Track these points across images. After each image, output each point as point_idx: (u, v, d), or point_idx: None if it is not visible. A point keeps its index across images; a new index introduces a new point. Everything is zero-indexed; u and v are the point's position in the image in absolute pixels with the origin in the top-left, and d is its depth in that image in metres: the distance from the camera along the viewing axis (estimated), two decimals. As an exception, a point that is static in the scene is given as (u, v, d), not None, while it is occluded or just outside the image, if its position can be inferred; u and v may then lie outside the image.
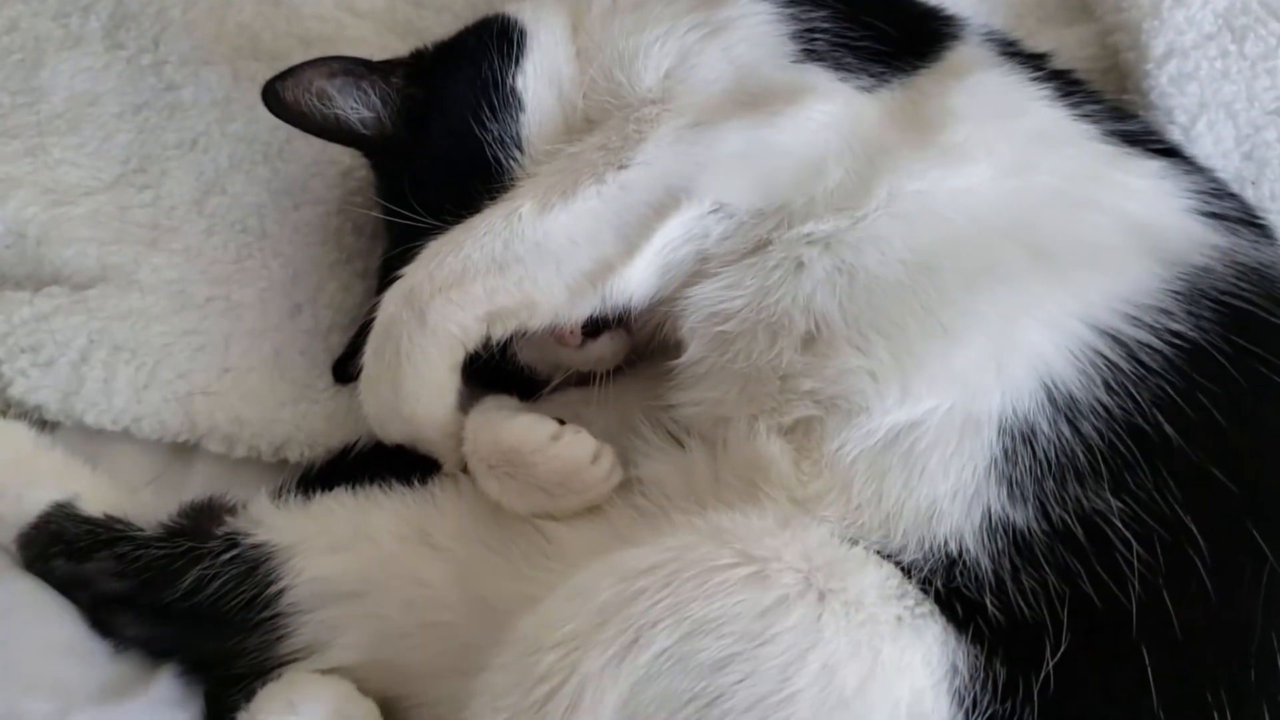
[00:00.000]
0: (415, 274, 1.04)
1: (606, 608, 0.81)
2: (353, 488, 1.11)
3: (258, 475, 1.18)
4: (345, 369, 1.20)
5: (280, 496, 1.10)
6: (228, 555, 1.06)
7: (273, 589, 1.05)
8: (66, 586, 1.07)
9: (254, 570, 1.06)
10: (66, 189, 1.27)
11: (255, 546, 1.07)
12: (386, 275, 1.14)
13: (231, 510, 1.10)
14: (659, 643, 0.79)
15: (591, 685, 0.79)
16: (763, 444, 0.94)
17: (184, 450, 1.20)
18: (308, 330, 1.24)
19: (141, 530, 1.08)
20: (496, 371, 1.12)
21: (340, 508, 1.09)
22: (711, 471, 1.00)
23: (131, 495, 1.11)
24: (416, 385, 1.05)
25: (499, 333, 1.05)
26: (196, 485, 1.16)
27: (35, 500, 1.08)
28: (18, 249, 1.24)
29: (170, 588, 1.06)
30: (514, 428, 1.03)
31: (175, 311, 1.21)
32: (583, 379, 1.16)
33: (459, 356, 1.06)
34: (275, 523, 1.08)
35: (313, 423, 1.19)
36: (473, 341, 1.05)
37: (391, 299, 1.05)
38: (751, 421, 0.97)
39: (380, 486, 1.10)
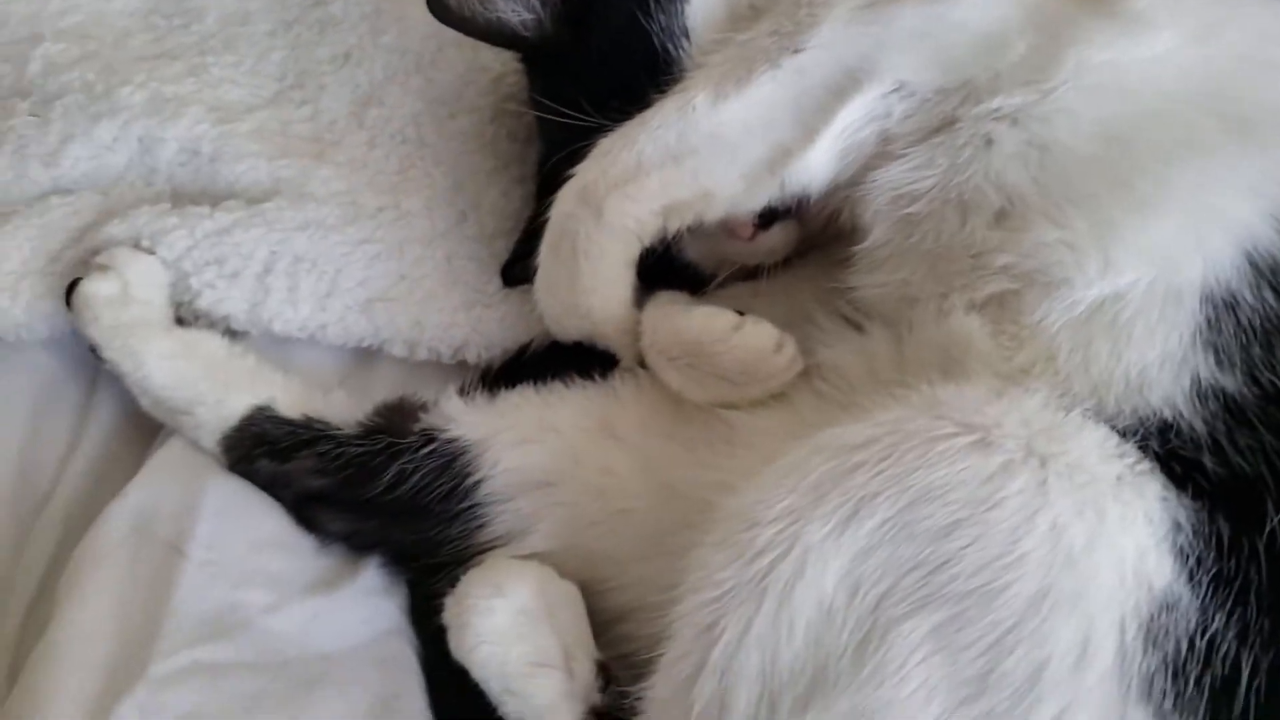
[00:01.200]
0: (589, 171, 1.04)
1: (823, 482, 0.81)
2: (534, 385, 1.12)
3: (438, 377, 1.20)
4: (513, 273, 1.21)
5: (467, 395, 1.12)
6: (426, 450, 1.08)
7: (469, 480, 1.08)
8: (271, 486, 1.10)
9: (451, 464, 1.08)
10: (230, 106, 1.28)
11: (450, 441, 1.09)
12: (548, 179, 1.14)
13: (422, 408, 1.12)
14: (880, 513, 0.80)
15: (814, 556, 0.80)
16: (958, 322, 0.93)
17: (367, 355, 1.22)
18: (474, 236, 1.25)
19: (340, 429, 1.10)
20: (662, 268, 1.12)
21: (525, 403, 1.11)
22: (896, 354, 1.00)
23: (325, 397, 1.14)
24: (594, 281, 1.05)
25: (674, 226, 1.05)
26: (380, 389, 1.18)
27: (235, 405, 1.11)
28: (192, 166, 1.25)
29: (371, 483, 1.08)
30: (695, 319, 1.04)
31: (349, 222, 1.22)
32: (749, 272, 1.16)
33: (635, 251, 1.07)
34: (466, 418, 1.10)
35: (488, 325, 1.20)
36: (648, 236, 1.06)
37: (566, 197, 1.06)
38: (941, 300, 0.96)
39: (561, 382, 1.11)
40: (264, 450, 1.09)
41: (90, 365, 1.19)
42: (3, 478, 1.12)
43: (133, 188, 1.24)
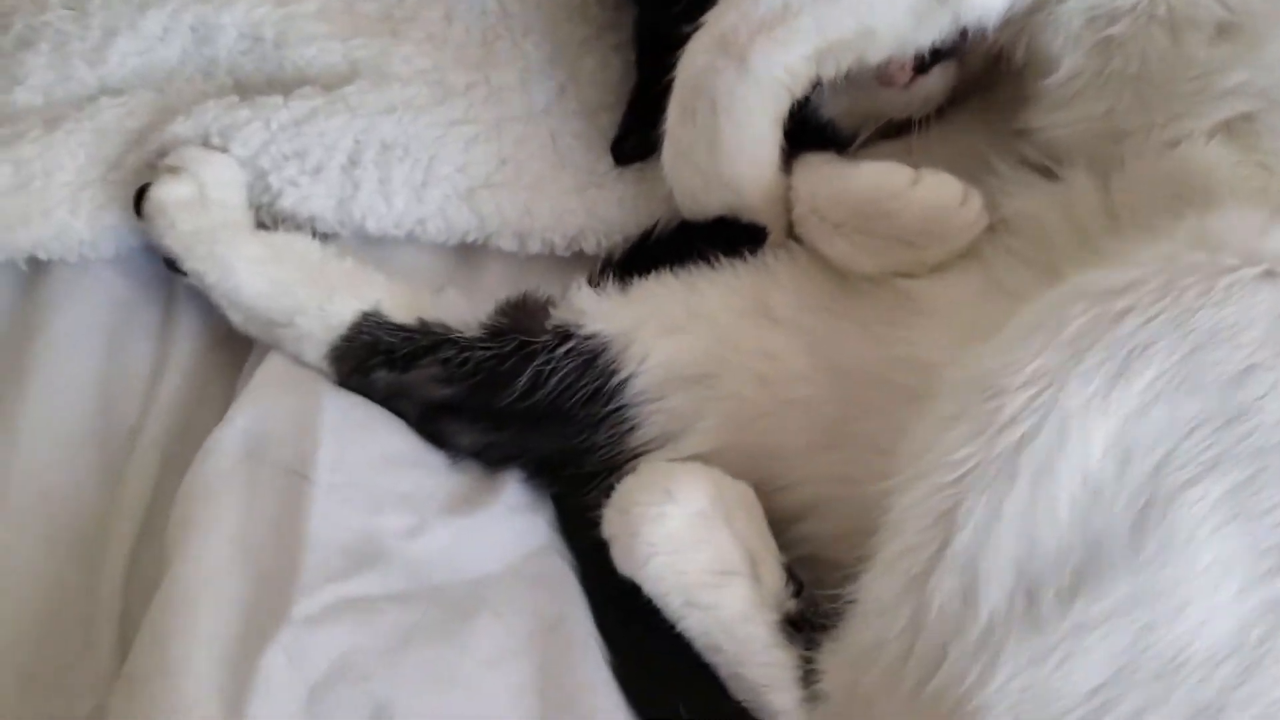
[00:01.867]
0: (725, 17, 0.91)
1: (1082, 335, 0.69)
2: (671, 269, 1.00)
3: (552, 273, 1.07)
4: (625, 149, 1.07)
5: (597, 286, 0.99)
6: (563, 349, 0.95)
7: (615, 379, 0.95)
8: (390, 399, 0.98)
9: (593, 362, 0.96)
10: (288, -14, 1.13)
11: (590, 337, 0.96)
12: (650, 40, 1.01)
13: (549, 304, 0.99)
14: (1156, 365, 0.68)
15: (1076, 424, 0.68)
16: (1188, 152, 0.81)
17: (470, 253, 1.08)
18: (576, 111, 1.11)
19: (461, 332, 0.98)
20: (794, 130, 0.99)
21: (666, 290, 0.98)
22: (1102, 197, 0.88)
23: (436, 299, 1.01)
24: (738, 142, 0.93)
25: (830, 72, 0.92)
26: (490, 290, 1.05)
27: (341, 311, 0.98)
28: (256, 53, 1.10)
29: (505, 389, 0.96)
30: (864, 177, 0.91)
31: (438, 102, 1.08)
32: (895, 129, 1.03)
33: (785, 106, 0.94)
34: (603, 311, 0.97)
35: (605, 209, 1.06)
36: (800, 85, 0.93)
37: (699, 50, 0.92)
38: (1160, 131, 0.84)
39: (701, 264, 0.99)
40: (380, 360, 0.96)
41: (167, 282, 1.05)
42: (85, 414, 0.99)
43: (191, 83, 1.09)
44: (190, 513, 0.88)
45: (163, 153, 1.03)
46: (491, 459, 0.96)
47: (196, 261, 0.98)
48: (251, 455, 0.90)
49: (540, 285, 1.04)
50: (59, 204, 1.02)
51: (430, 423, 0.96)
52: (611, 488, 0.92)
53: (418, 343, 0.96)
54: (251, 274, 0.97)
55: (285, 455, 0.90)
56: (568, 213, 1.05)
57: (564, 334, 0.96)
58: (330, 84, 1.08)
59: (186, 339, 1.03)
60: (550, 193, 1.06)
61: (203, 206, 0.99)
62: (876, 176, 0.91)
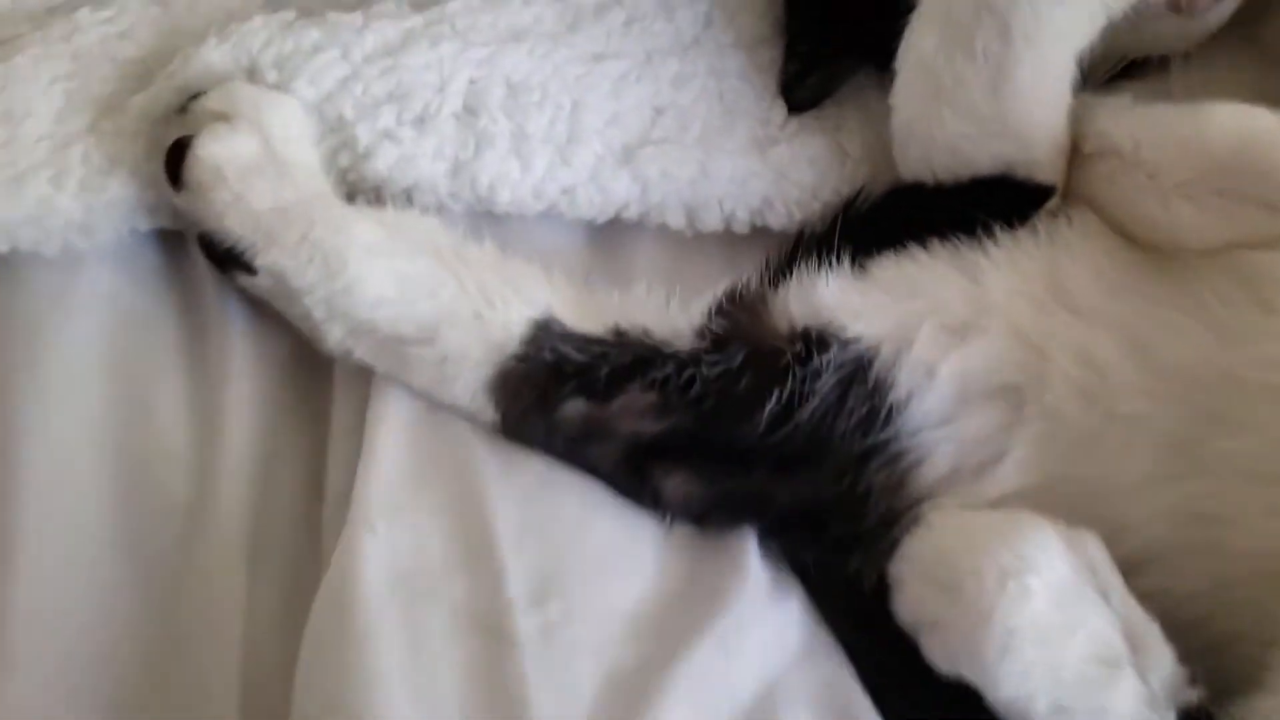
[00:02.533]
0: None
1: None
2: (906, 247, 0.74)
3: (721, 256, 0.79)
4: (800, 93, 0.81)
5: (822, 272, 0.72)
6: (819, 361, 0.69)
7: (893, 398, 0.69)
8: (581, 442, 0.68)
9: (860, 377, 0.69)
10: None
11: (850, 342, 0.70)
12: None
13: (762, 301, 0.72)
14: None
15: None
16: None
17: (610, 232, 0.79)
18: (732, 44, 0.83)
19: (674, 344, 0.69)
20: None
21: (931, 275, 0.72)
22: None
23: (624, 299, 0.71)
24: (1037, 77, 0.69)
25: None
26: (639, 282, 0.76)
27: (509, 320, 0.67)
28: None
29: (745, 419, 0.68)
30: (1231, 122, 0.68)
31: (570, 27, 0.78)
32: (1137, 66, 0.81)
33: (1098, 28, 0.70)
34: (859, 307, 0.71)
35: (796, 170, 0.79)
36: (1119, 5, 0.69)
37: None
38: None
39: (964, 237, 0.74)
40: (572, 387, 0.66)
41: (197, 286, 0.71)
42: (97, 491, 0.65)
43: (206, -10, 0.74)
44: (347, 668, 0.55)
45: (187, 91, 0.68)
46: (720, 516, 0.68)
47: (281, 254, 0.65)
48: (403, 591, 0.60)
49: (725, 273, 0.75)
50: (32, 169, 0.66)
51: (635, 472, 0.68)
52: (889, 549, 0.65)
53: (618, 360, 0.67)
54: (373, 269, 0.65)
55: (457, 594, 0.60)
56: (751, 176, 0.77)
57: (817, 340, 0.68)
58: (423, 3, 0.75)
59: (233, 372, 0.69)
60: (725, 150, 0.78)
61: (279, 171, 0.65)
62: (1244, 122, 0.67)
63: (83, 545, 0.63)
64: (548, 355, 0.66)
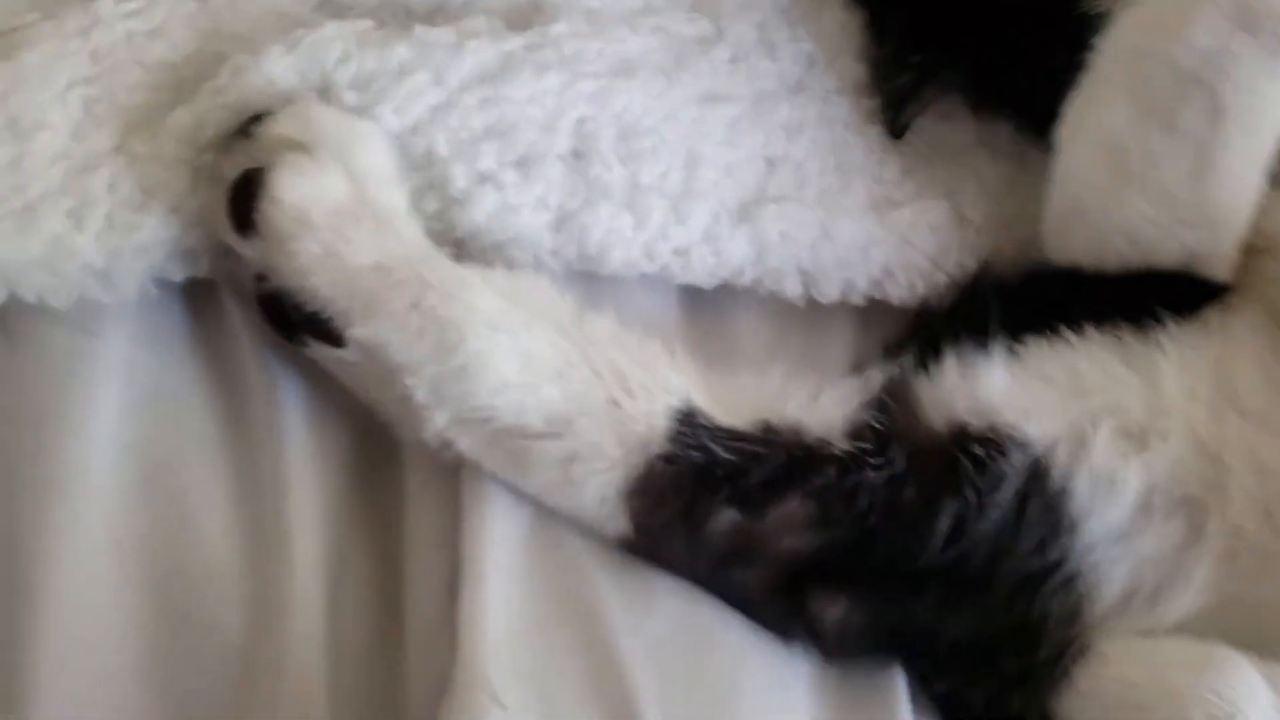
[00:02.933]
0: None
1: None
2: (1060, 333, 0.66)
3: (833, 333, 0.69)
4: (902, 115, 0.71)
5: (981, 360, 0.63)
6: (996, 467, 0.59)
7: (1071, 512, 0.60)
8: (728, 562, 0.57)
9: (1038, 487, 0.60)
10: None
11: (1024, 446, 0.60)
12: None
13: (905, 392, 0.62)
14: None
15: None
16: None
17: (710, 299, 0.68)
18: (837, 89, 0.73)
19: (829, 444, 0.58)
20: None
21: (1093, 367, 0.64)
22: None
23: (760, 384, 0.60)
24: (1241, 163, 0.61)
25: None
26: (743, 357, 0.66)
27: (650, 410, 0.55)
28: None
29: (916, 537, 0.58)
30: None
31: (677, 63, 0.67)
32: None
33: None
34: (1020, 404, 0.61)
35: (918, 237, 0.70)
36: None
37: (1200, 25, 0.59)
38: None
39: (1119, 328, 0.66)
40: (725, 495, 0.54)
41: (229, 352, 0.57)
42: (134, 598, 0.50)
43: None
44: None
45: (245, 111, 0.54)
46: (879, 651, 0.57)
47: (385, 324, 0.51)
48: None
49: (838, 351, 0.65)
50: (46, 198, 0.51)
51: (788, 599, 0.57)
52: (1056, 685, 0.56)
53: (772, 463, 0.56)
54: (495, 346, 0.52)
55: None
56: (874, 241, 0.67)
57: (989, 443, 0.58)
58: (511, 17, 0.63)
59: (287, 467, 0.55)
60: (846, 211, 0.67)
61: (376, 219, 0.52)
62: None
63: (112, 682, 0.48)
64: (696, 455, 0.54)
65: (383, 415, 0.56)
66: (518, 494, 0.55)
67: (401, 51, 0.57)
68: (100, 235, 0.52)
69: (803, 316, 0.68)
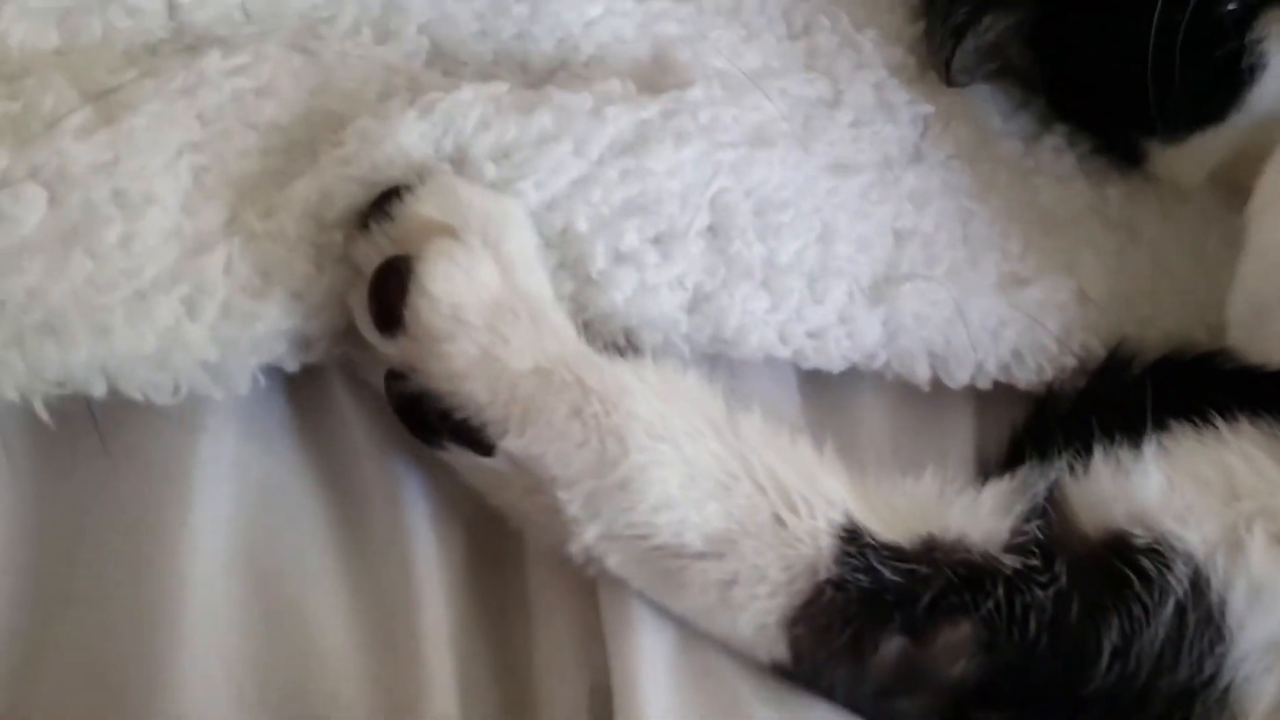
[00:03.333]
0: None
1: None
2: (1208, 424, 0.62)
3: (956, 421, 0.65)
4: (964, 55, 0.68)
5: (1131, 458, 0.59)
6: (1160, 578, 0.55)
7: (1229, 622, 0.57)
8: (893, 692, 0.52)
9: (1195, 598, 0.56)
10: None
11: (1187, 556, 0.57)
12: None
13: (1059, 496, 0.58)
14: None
15: None
16: None
17: (828, 382, 0.64)
18: (954, 154, 0.69)
19: (995, 559, 0.54)
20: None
21: (1244, 465, 0.61)
22: None
23: (914, 490, 0.56)
24: None
25: None
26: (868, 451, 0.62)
27: (811, 531, 0.51)
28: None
29: (1082, 656, 0.54)
30: None
31: (806, 129, 0.63)
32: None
33: None
34: (1175, 507, 0.58)
35: (1046, 317, 0.66)
36: None
37: None
38: None
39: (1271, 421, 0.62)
40: (895, 623, 0.50)
41: (337, 444, 0.51)
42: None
43: (354, 42, 0.54)
44: None
45: (376, 184, 0.48)
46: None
47: (543, 435, 0.46)
48: None
49: (962, 440, 0.61)
50: (160, 283, 0.44)
51: (951, 727, 0.52)
52: None
53: (939, 583, 0.51)
54: (659, 458, 0.47)
55: None
56: (1005, 322, 0.63)
57: (1149, 551, 0.55)
58: (639, 79, 0.57)
59: (413, 575, 0.50)
60: (976, 289, 0.63)
61: (533, 315, 0.46)
62: None
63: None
64: (865, 580, 0.49)
65: (517, 523, 0.50)
66: (663, 613, 0.50)
67: (544, 119, 0.51)
68: (216, 325, 0.46)
69: (923, 401, 0.64)
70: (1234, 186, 0.63)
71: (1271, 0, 0.61)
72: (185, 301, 0.45)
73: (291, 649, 0.47)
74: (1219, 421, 0.60)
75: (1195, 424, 0.60)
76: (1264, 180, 0.59)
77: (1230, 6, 0.60)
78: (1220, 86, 0.62)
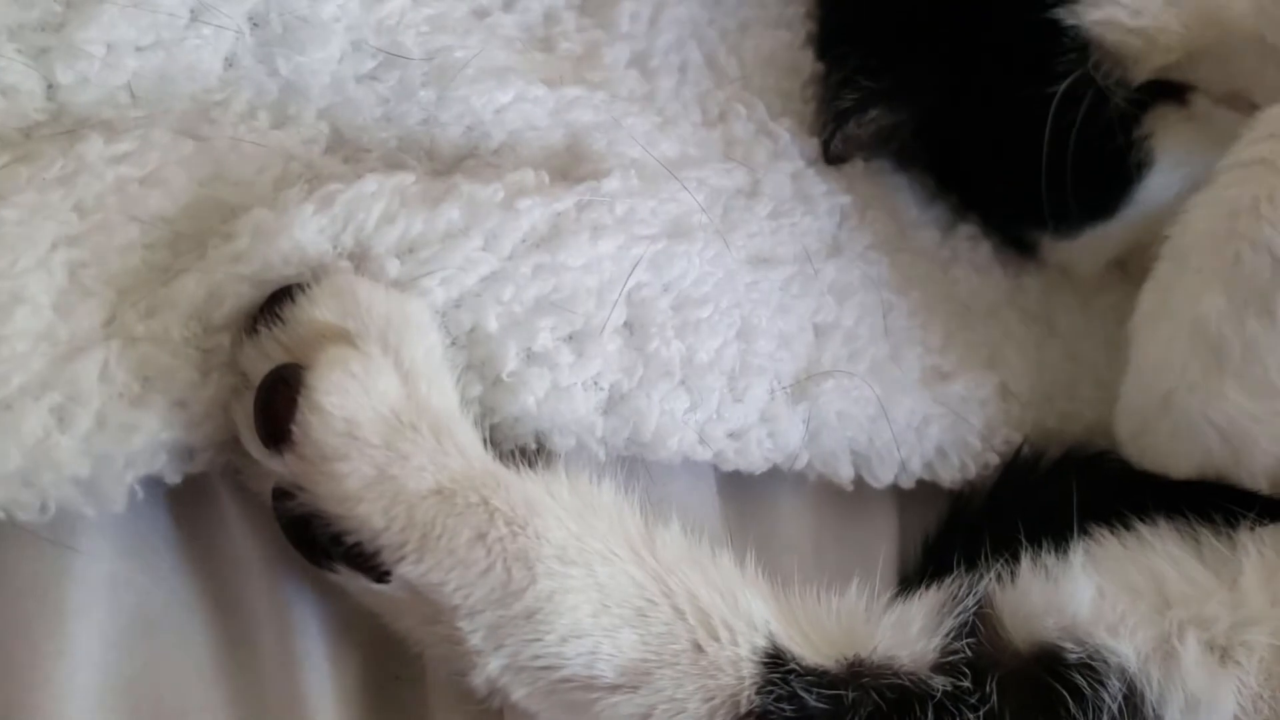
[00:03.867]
0: None
1: None
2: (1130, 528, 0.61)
3: (872, 521, 0.64)
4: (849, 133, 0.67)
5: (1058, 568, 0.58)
6: (1094, 694, 0.54)
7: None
8: None
9: (1129, 710, 0.55)
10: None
11: (1119, 670, 0.55)
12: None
13: (988, 606, 0.57)
14: None
15: None
16: None
17: (745, 483, 0.61)
18: (871, 245, 0.68)
19: (923, 681, 0.52)
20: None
21: (1173, 571, 0.60)
22: None
23: (829, 609, 0.53)
24: None
25: None
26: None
27: (732, 660, 0.48)
28: (390, 85, 0.55)
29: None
30: None
31: (725, 221, 0.60)
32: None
33: None
34: (1107, 618, 0.57)
35: (970, 414, 0.65)
36: None
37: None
38: None
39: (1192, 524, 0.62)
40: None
41: (221, 560, 0.48)
42: None
43: (249, 125, 0.51)
44: None
45: (268, 283, 0.45)
46: None
47: (442, 563, 0.42)
48: None
49: (881, 541, 0.60)
50: (27, 392, 0.41)
51: None
52: None
53: (866, 710, 0.48)
54: (569, 585, 0.44)
55: None
56: (929, 419, 0.61)
57: (1081, 667, 0.53)
58: (552, 169, 0.55)
59: (310, 701, 0.45)
60: (899, 385, 0.62)
61: (436, 431, 0.43)
62: None
63: None
64: (789, 710, 0.46)
65: (418, 648, 0.46)
66: (575, 746, 0.46)
67: (451, 212, 0.48)
68: (89, 438, 0.42)
69: (844, 501, 0.62)
70: (1141, 274, 0.63)
71: (1158, 99, 0.61)
72: (55, 411, 0.41)
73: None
74: (1139, 525, 0.59)
75: (1114, 527, 0.59)
76: (1143, 297, 0.58)
77: (1118, 103, 0.60)
78: (1111, 184, 0.62)
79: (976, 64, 0.64)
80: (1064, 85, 0.59)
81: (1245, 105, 0.59)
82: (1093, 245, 0.64)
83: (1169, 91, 0.61)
